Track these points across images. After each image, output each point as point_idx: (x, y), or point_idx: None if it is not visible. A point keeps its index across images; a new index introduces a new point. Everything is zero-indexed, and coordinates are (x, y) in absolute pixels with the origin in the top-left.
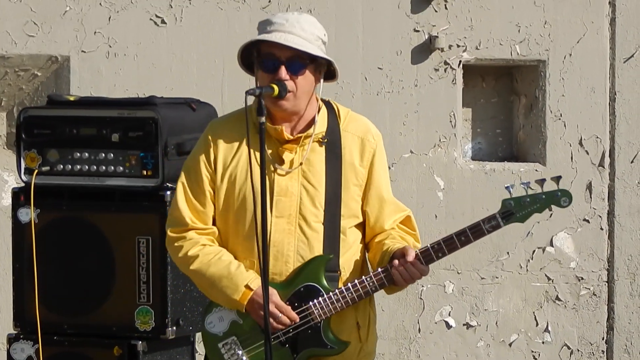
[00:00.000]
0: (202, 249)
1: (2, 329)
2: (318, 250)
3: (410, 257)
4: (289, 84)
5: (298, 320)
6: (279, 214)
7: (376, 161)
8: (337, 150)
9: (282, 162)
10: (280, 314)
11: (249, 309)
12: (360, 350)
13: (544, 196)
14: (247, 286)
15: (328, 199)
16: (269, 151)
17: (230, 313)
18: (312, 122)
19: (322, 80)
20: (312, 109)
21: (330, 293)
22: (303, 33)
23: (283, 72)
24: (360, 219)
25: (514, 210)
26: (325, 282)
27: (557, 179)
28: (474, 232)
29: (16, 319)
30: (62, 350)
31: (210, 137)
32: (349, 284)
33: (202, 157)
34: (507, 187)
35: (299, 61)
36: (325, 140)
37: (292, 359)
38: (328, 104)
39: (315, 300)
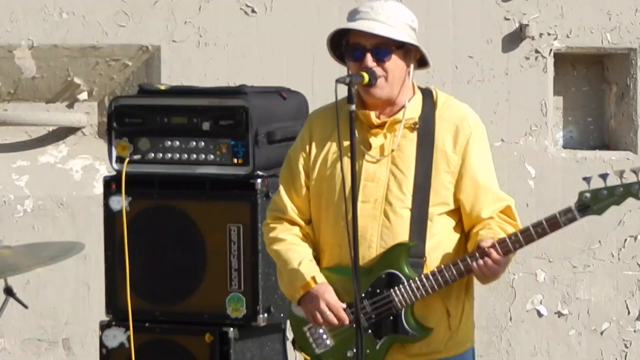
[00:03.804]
0: (291, 236)
1: (95, 316)
2: (402, 235)
3: (486, 246)
4: (378, 71)
5: (347, 322)
6: (365, 199)
7: (471, 148)
8: (429, 136)
9: (369, 147)
10: (328, 312)
11: (302, 300)
12: (449, 339)
13: (621, 189)
14: (313, 279)
15: (417, 185)
16: (361, 136)
17: None
18: (402, 107)
19: (412, 66)
20: (404, 96)
21: (411, 281)
22: (388, 20)
23: (369, 60)
24: (451, 206)
25: (591, 203)
26: (406, 270)
27: (637, 171)
28: (550, 224)
29: (108, 306)
30: (154, 338)
31: (307, 126)
32: (429, 273)
33: (299, 145)
34: (585, 179)
35: (384, 48)
36: (417, 126)
37: (375, 344)
38: (427, 91)
39: (395, 288)
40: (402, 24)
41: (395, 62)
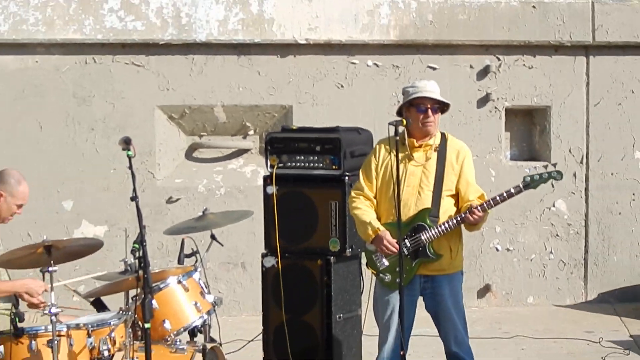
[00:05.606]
0: (364, 205)
1: (258, 249)
2: (427, 204)
3: (473, 206)
4: (432, 118)
5: (397, 250)
6: (408, 185)
7: (465, 163)
8: (443, 154)
9: (413, 158)
10: (389, 245)
11: (373, 240)
12: (450, 263)
13: (546, 175)
14: (378, 228)
15: (436, 179)
16: (407, 152)
17: None
18: (431, 138)
19: (439, 114)
20: (436, 132)
21: (431, 228)
22: (434, 90)
23: (430, 113)
24: (453, 192)
25: (530, 182)
26: (428, 222)
27: (554, 166)
28: (508, 194)
29: (266, 244)
30: (290, 262)
31: (377, 147)
32: (441, 224)
33: (372, 157)
34: (527, 170)
35: (437, 106)
36: (437, 149)
37: (411, 262)
38: (442, 133)
39: (423, 232)
40: (438, 92)
41: (439, 114)
